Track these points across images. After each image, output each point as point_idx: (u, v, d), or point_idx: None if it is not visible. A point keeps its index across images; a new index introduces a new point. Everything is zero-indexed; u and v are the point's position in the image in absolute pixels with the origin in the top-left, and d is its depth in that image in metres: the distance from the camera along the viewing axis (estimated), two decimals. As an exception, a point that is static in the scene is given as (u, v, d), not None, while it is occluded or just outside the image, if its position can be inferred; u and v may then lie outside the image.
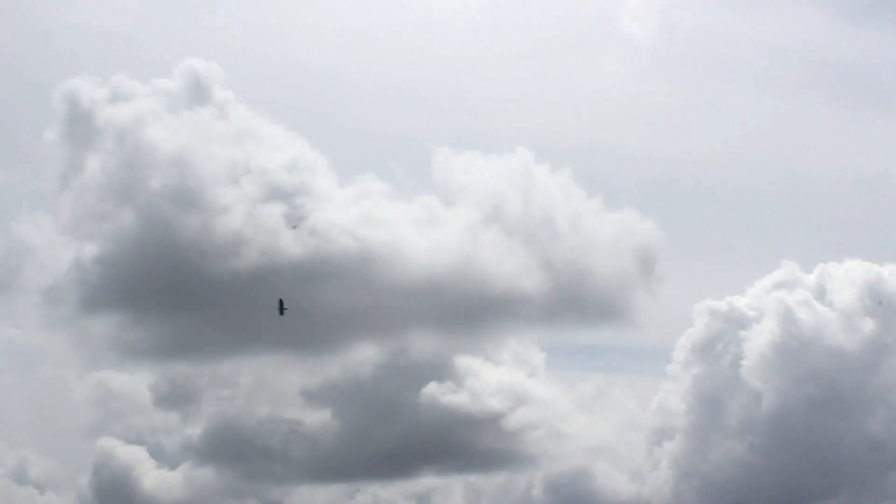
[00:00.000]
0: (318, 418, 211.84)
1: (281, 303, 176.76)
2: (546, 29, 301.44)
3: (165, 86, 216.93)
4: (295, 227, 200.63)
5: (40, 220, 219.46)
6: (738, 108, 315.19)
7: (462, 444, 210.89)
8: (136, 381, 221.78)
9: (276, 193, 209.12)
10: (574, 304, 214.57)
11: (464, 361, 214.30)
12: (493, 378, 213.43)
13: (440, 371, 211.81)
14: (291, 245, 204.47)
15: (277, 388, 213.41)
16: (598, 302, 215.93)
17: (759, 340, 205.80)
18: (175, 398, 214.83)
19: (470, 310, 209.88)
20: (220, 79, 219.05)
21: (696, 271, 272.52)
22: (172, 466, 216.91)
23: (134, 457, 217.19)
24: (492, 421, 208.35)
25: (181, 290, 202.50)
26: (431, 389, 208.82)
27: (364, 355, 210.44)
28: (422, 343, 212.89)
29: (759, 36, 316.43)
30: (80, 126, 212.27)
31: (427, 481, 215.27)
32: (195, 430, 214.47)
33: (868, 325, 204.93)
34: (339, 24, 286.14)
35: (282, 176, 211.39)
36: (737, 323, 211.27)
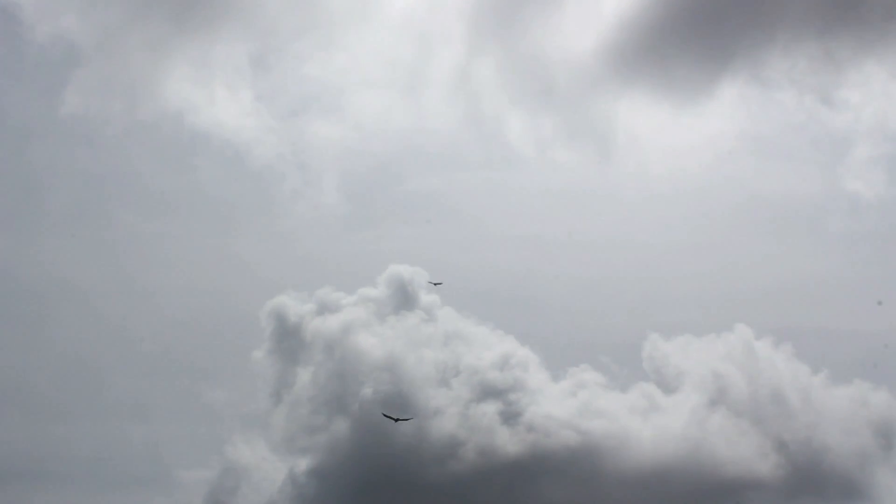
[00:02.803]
0: None
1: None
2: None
3: (371, 294, 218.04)
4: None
5: (253, 439, 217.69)
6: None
7: None
8: None
9: (490, 392, 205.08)
10: (812, 485, 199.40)
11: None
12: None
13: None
14: (508, 443, 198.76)
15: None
16: (838, 481, 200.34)
17: None
18: None
19: (700, 498, 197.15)
20: (425, 283, 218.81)
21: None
22: None
23: None
24: None
25: (399, 497, 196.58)
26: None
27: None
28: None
29: None
30: (289, 341, 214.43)
31: None
32: None
33: None
34: (529, 231, 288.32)
35: (494, 374, 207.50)
36: None
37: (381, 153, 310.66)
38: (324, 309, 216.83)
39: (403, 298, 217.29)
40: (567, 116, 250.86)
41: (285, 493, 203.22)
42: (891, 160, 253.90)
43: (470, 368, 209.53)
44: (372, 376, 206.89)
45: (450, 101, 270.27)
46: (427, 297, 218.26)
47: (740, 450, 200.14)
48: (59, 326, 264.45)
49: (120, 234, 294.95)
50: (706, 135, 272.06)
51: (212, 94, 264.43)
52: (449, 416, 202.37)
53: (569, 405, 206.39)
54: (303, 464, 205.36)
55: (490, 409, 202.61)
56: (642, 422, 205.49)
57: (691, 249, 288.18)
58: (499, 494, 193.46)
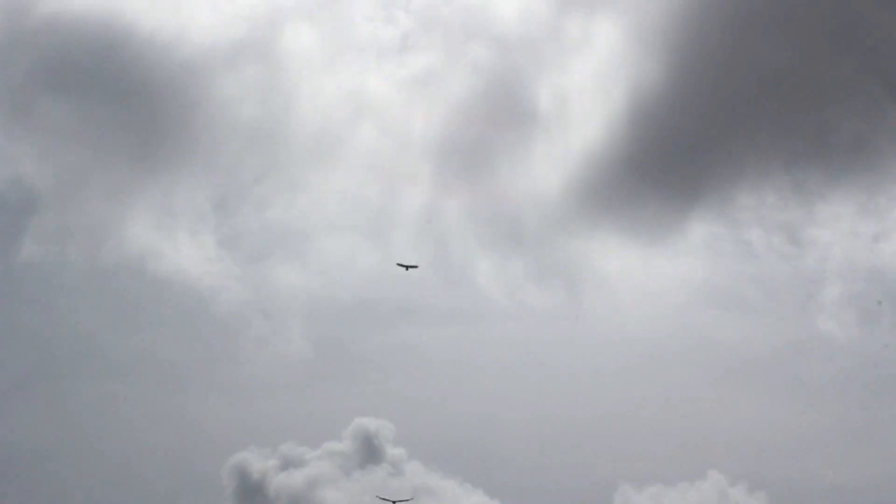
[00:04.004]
0: None
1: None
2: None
3: (336, 448, 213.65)
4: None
5: None
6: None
7: None
8: None
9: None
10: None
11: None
12: None
13: None
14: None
15: None
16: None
17: None
18: None
19: None
20: (391, 437, 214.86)
21: None
22: None
23: None
24: None
25: None
26: None
27: None
28: None
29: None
30: (252, 498, 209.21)
31: None
32: None
33: None
34: (498, 380, 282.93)
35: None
36: None
37: (346, 300, 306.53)
38: (288, 464, 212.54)
39: (369, 452, 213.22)
40: (536, 258, 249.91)
41: None
42: (862, 299, 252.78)
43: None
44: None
45: (416, 245, 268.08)
46: (393, 451, 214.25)
47: None
48: (13, 491, 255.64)
49: (76, 396, 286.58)
50: (676, 277, 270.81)
51: (174, 240, 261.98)
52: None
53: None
54: None
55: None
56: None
57: (662, 395, 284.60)
58: None
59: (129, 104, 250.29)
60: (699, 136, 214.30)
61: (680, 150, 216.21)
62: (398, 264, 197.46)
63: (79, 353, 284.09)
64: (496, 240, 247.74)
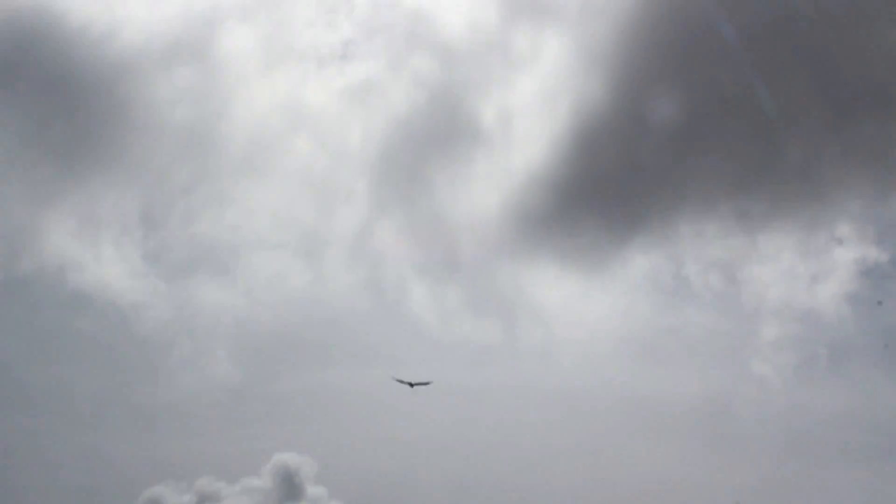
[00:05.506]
0: None
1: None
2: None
3: (255, 484, 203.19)
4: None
5: None
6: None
7: None
8: None
9: None
10: None
11: None
12: None
13: None
14: None
15: None
16: None
17: None
18: None
19: None
20: (313, 474, 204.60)
21: None
22: None
23: None
24: None
25: None
26: None
27: None
28: None
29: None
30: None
31: None
32: None
33: None
34: (424, 408, 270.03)
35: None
36: None
37: (274, 323, 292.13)
38: (204, 499, 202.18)
39: (289, 490, 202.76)
40: (473, 286, 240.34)
41: None
42: (798, 343, 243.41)
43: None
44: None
45: (349, 266, 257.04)
46: (314, 490, 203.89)
47: None
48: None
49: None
50: (613, 313, 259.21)
51: (97, 251, 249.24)
52: None
53: None
54: None
55: None
56: None
57: (591, 445, 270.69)
58: None
59: (53, 102, 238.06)
60: (643, 161, 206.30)
61: (623, 175, 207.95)
62: (398, 380, 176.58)
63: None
64: (432, 264, 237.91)
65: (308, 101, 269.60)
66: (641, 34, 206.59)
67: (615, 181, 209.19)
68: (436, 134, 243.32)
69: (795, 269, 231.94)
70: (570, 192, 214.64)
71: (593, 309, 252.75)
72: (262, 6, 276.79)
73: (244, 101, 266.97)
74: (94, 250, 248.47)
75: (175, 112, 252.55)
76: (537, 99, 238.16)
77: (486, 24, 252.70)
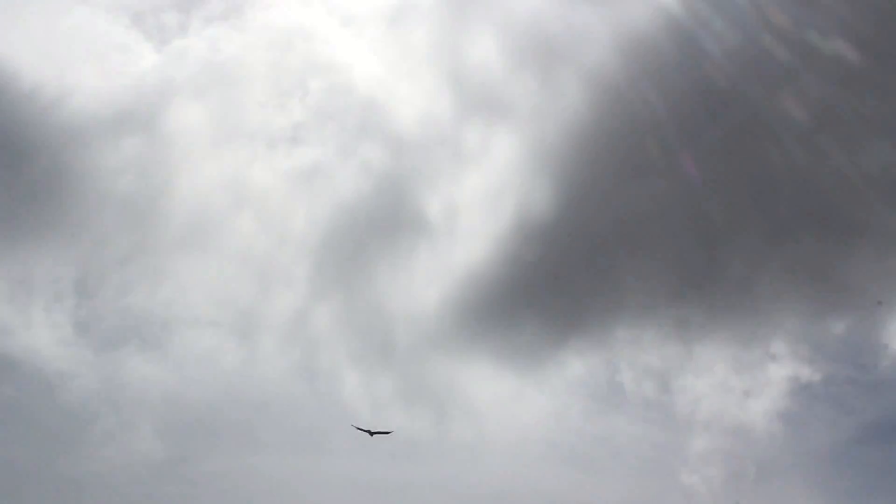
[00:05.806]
0: None
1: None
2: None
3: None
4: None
5: None
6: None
7: None
8: None
9: None
10: None
11: None
12: None
13: None
14: None
15: None
16: None
17: None
18: None
19: None
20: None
21: None
22: None
23: None
24: None
25: None
26: None
27: None
28: None
29: None
30: None
31: None
32: None
33: None
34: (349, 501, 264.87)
35: None
36: None
37: (201, 402, 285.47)
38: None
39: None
40: (406, 377, 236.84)
41: None
42: (727, 455, 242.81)
43: None
44: None
45: (283, 349, 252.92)
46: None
47: None
48: None
49: None
50: (544, 415, 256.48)
51: (27, 316, 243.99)
52: None
53: None
54: None
55: None
56: None
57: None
58: None
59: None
60: (584, 263, 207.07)
61: (564, 276, 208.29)
62: (358, 428, 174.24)
63: None
64: (367, 353, 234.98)
65: (254, 181, 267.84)
66: (590, 140, 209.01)
67: (556, 282, 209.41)
68: (380, 223, 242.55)
69: (729, 381, 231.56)
70: (510, 291, 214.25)
71: (526, 409, 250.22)
72: (216, 83, 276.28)
73: (190, 176, 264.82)
74: (24, 316, 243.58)
75: (119, 182, 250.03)
76: (483, 195, 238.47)
77: (439, 118, 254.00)
